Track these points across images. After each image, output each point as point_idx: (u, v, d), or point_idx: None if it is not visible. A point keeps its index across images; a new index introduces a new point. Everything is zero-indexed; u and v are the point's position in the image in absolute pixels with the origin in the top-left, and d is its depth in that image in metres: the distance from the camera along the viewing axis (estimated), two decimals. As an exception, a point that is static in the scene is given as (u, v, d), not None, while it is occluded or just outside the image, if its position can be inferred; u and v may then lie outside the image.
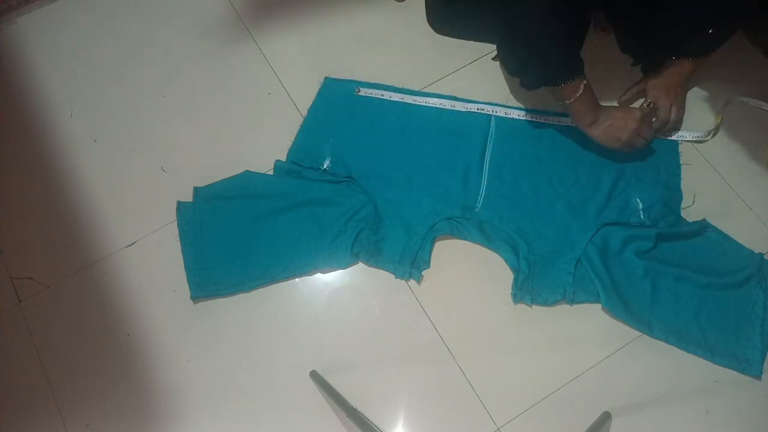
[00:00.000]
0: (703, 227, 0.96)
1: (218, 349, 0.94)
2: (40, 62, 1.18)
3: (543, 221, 0.97)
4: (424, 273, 0.97)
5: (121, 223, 1.03)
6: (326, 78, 1.12)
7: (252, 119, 1.11)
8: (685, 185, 1.01)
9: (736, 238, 0.96)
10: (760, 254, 0.94)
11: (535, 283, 0.93)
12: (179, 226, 1.00)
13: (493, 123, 1.05)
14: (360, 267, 0.98)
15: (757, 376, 0.88)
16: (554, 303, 0.93)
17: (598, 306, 0.94)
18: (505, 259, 0.96)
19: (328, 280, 0.98)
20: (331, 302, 0.97)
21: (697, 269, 0.92)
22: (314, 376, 0.90)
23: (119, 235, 1.02)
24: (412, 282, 0.97)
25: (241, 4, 1.22)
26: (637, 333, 0.92)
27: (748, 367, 0.88)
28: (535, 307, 0.94)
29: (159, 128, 1.11)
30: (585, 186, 1.00)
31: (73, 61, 1.18)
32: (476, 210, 0.98)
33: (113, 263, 1.01)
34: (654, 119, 1.00)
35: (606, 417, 0.86)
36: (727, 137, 1.06)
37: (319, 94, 1.11)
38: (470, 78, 1.12)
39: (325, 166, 1.03)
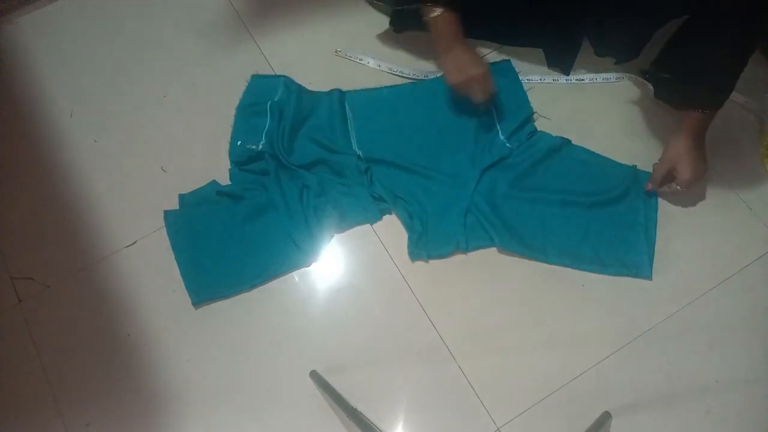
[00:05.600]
0: (565, 141, 1.04)
1: (218, 348, 0.94)
2: (40, 62, 1.18)
3: (428, 181, 1.02)
4: (423, 273, 0.97)
5: (121, 223, 1.03)
6: (253, 76, 1.13)
7: (252, 119, 1.11)
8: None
9: (736, 238, 0.97)
10: (634, 165, 1.01)
11: (429, 239, 0.98)
12: (169, 234, 1.00)
13: (347, 106, 1.08)
14: (360, 267, 0.98)
15: (649, 278, 0.94)
16: (449, 254, 0.97)
17: (598, 306, 0.94)
18: (401, 220, 1.00)
19: (328, 280, 0.98)
20: (331, 302, 0.97)
21: (579, 191, 0.99)
22: (314, 376, 0.90)
23: (119, 235, 1.02)
24: (412, 282, 0.97)
25: (241, 3, 1.22)
26: (637, 333, 0.92)
27: (638, 271, 0.95)
28: (535, 306, 0.94)
29: (159, 128, 1.11)
30: (451, 140, 1.05)
31: (73, 61, 1.18)
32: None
33: (113, 263, 1.01)
34: (675, 184, 0.95)
35: (606, 417, 0.86)
36: (726, 137, 1.06)
37: (246, 91, 1.12)
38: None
39: (260, 149, 1.05)
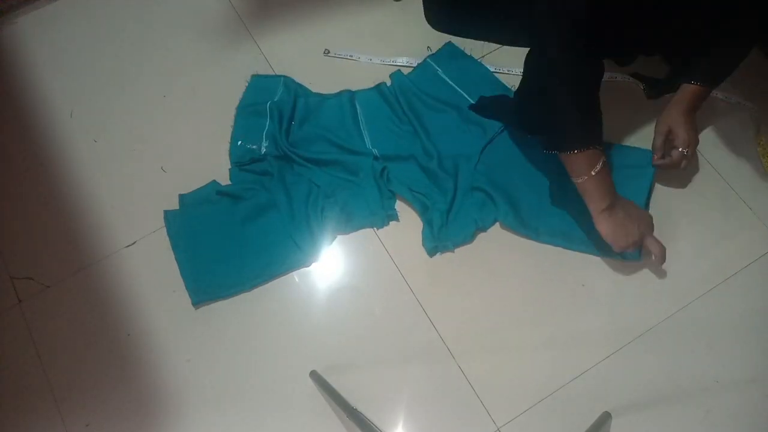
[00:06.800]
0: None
1: (218, 348, 0.94)
2: (40, 62, 1.18)
3: (434, 171, 1.01)
4: (423, 273, 0.97)
5: (121, 223, 1.03)
6: (253, 76, 1.13)
7: (252, 119, 1.11)
8: (684, 183, 1.02)
9: (736, 238, 0.97)
10: (629, 146, 1.02)
11: (450, 228, 0.98)
12: (169, 234, 1.01)
13: (357, 105, 1.09)
14: (360, 267, 0.98)
15: (637, 260, 0.95)
16: (473, 237, 0.98)
17: (598, 305, 0.94)
18: (420, 215, 1.00)
19: (328, 280, 0.98)
20: (331, 302, 0.97)
21: None
22: (314, 376, 0.90)
23: (119, 235, 1.02)
24: (412, 282, 0.97)
25: (241, 4, 1.22)
26: (637, 333, 0.92)
27: (628, 254, 0.93)
28: (535, 306, 0.94)
29: (159, 128, 1.11)
30: (439, 129, 1.05)
31: (73, 61, 1.18)
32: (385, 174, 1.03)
33: (113, 263, 1.01)
34: (676, 148, 0.95)
35: (606, 417, 0.86)
36: (725, 137, 1.06)
37: (246, 91, 1.12)
38: (470, 78, 1.12)
39: (263, 152, 1.05)
